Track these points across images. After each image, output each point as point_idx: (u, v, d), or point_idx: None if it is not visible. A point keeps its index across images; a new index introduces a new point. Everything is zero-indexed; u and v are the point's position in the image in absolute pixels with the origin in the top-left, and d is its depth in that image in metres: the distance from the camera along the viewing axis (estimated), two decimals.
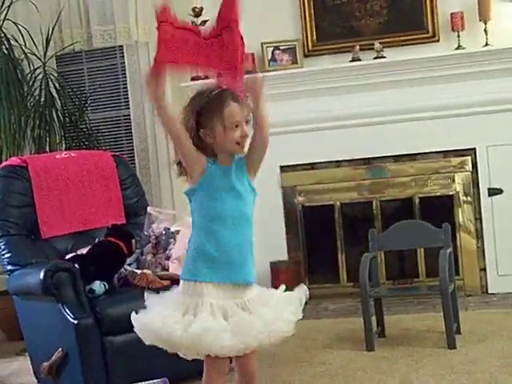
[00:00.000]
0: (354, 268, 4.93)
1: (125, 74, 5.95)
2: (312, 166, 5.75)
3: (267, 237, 5.63)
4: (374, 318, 4.54)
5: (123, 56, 5.94)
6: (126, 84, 5.97)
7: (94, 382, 3.75)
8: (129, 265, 4.27)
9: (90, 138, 5.89)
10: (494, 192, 5.47)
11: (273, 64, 5.66)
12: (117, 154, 5.03)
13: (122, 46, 5.92)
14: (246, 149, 2.71)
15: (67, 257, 4.18)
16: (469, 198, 5.54)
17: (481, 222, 5.55)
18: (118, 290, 4.06)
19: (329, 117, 5.57)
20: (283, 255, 5.70)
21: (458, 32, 5.37)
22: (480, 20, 5.34)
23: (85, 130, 5.93)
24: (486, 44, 5.34)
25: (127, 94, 5.96)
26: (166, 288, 4.00)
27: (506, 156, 5.43)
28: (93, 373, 3.75)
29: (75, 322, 3.72)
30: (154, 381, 1.92)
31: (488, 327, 4.61)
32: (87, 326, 3.74)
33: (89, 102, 6.03)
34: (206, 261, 2.66)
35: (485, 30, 5.33)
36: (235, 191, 2.70)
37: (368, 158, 5.66)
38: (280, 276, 5.54)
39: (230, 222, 2.68)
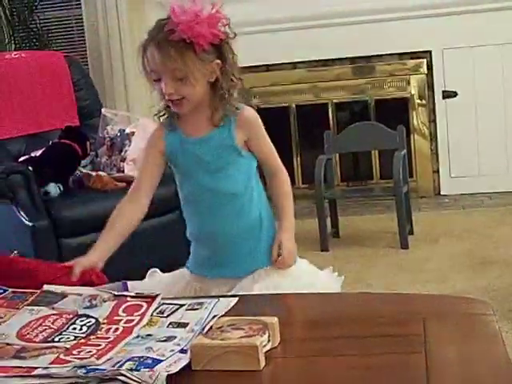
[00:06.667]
0: (309, 171, 4.94)
1: None
2: (267, 68, 5.69)
3: None
4: (328, 220, 4.60)
5: None
6: None
7: None
8: (83, 167, 4.25)
9: (40, 39, 5.72)
10: (448, 95, 5.48)
11: None
12: (69, 54, 4.93)
13: None
14: (182, 109, 2.11)
15: (21, 159, 4.14)
16: (423, 101, 5.56)
17: (435, 125, 5.58)
18: (72, 192, 4.05)
19: (284, 18, 5.47)
20: None
21: None
22: None
23: (35, 29, 5.76)
24: None
25: None
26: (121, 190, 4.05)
27: (462, 59, 5.42)
28: None
29: (30, 224, 3.72)
30: (110, 284, 1.92)
31: (439, 228, 4.70)
32: (43, 228, 3.74)
33: None
34: None
35: None
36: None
37: (324, 60, 5.61)
38: None
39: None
